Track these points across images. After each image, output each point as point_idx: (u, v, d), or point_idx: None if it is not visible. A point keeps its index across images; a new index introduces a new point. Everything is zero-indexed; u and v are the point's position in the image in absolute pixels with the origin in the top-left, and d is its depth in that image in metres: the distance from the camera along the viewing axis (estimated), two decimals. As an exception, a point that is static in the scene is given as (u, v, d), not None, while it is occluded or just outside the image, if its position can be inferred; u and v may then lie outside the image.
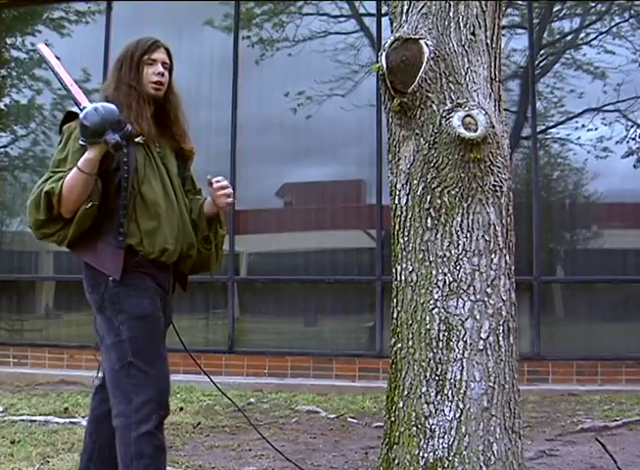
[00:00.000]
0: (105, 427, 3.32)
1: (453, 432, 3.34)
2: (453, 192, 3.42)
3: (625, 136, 8.38)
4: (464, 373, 3.36)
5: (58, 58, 3.31)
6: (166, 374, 3.20)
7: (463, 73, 3.47)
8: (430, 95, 3.42)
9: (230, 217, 7.94)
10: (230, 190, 3.42)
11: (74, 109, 3.17)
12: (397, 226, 3.59)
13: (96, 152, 3.03)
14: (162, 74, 3.31)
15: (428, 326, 3.42)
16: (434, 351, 3.40)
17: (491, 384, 3.37)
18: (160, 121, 3.36)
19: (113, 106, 3.05)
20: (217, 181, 3.40)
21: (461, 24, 3.51)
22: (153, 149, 3.29)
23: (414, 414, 3.42)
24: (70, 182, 3.05)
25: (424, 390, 3.40)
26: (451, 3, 3.51)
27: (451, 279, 3.41)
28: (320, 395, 7.54)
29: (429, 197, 3.46)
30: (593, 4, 8.73)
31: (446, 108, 3.38)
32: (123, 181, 3.16)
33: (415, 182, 3.49)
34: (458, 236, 3.43)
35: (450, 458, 3.31)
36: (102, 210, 3.17)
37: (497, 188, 3.46)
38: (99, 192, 3.13)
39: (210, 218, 3.46)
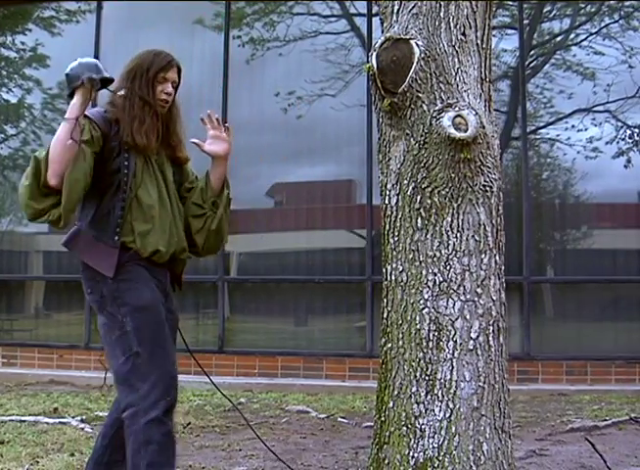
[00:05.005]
0: (121, 431, 3.33)
1: (443, 432, 3.34)
2: (443, 192, 3.42)
3: (615, 136, 8.40)
4: (454, 373, 3.37)
5: None
6: (171, 360, 3.24)
7: (453, 74, 3.47)
8: (420, 95, 3.43)
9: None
10: (221, 133, 3.60)
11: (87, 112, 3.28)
12: (387, 226, 3.59)
13: (79, 96, 3.13)
14: (170, 94, 3.43)
15: (418, 326, 3.43)
16: (425, 350, 3.41)
17: (481, 384, 3.38)
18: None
19: (92, 59, 3.26)
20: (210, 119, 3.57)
21: (451, 25, 3.52)
22: (151, 156, 3.39)
23: (404, 414, 3.43)
24: (55, 136, 3.14)
25: (414, 390, 3.41)
26: (442, 3, 3.52)
27: (441, 279, 3.42)
28: (310, 394, 7.55)
29: (419, 197, 3.46)
30: (583, 5, 8.76)
31: (437, 108, 3.39)
32: (122, 184, 3.26)
33: (405, 182, 3.50)
34: (448, 236, 3.43)
35: (440, 458, 3.32)
36: (100, 210, 3.28)
37: (487, 188, 3.47)
38: (91, 157, 3.20)
39: (218, 184, 3.57)
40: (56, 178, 3.11)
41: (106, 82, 3.24)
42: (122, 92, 3.33)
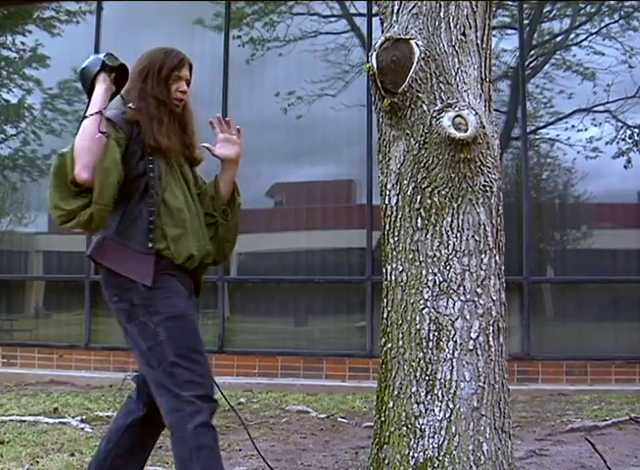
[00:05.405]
0: (126, 438, 3.30)
1: (443, 432, 3.34)
2: (443, 192, 3.42)
3: (615, 137, 8.40)
4: (454, 373, 3.37)
5: None
6: (209, 368, 3.16)
7: (453, 74, 3.47)
8: (420, 95, 3.43)
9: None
10: (232, 135, 3.54)
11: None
12: (388, 226, 3.59)
13: (100, 83, 3.11)
14: (185, 92, 3.35)
15: (418, 326, 3.43)
16: (425, 350, 3.41)
17: (481, 384, 3.38)
18: None
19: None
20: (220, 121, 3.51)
21: (451, 25, 3.52)
22: (172, 157, 3.29)
23: (404, 414, 3.43)
24: (81, 130, 3.03)
25: (414, 390, 3.41)
26: (442, 3, 3.52)
27: (441, 279, 3.42)
28: (310, 394, 7.54)
29: (419, 197, 3.46)
30: (583, 5, 8.76)
31: (437, 108, 3.39)
32: (150, 187, 3.16)
33: (405, 182, 3.50)
34: (448, 236, 3.43)
35: (440, 458, 3.32)
36: (126, 216, 3.17)
37: (487, 188, 3.47)
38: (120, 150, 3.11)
39: (228, 188, 3.51)
40: (86, 171, 2.97)
41: (122, 69, 3.20)
42: (131, 105, 3.25)
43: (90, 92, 3.14)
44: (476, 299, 3.42)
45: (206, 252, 3.34)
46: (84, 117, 3.06)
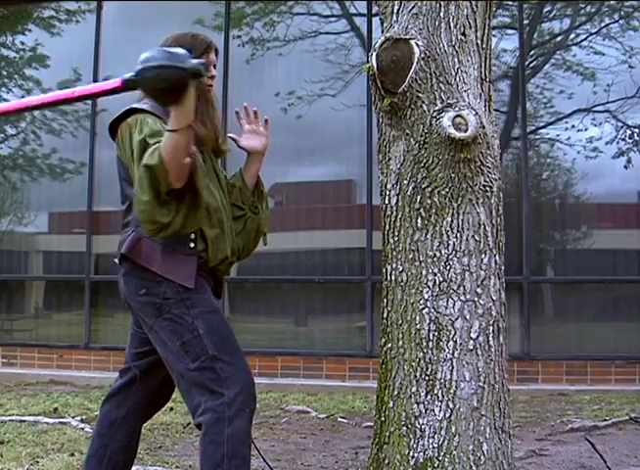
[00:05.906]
0: (120, 431, 3.22)
1: (443, 432, 3.34)
2: (443, 192, 3.42)
3: (615, 137, 8.40)
4: (454, 373, 3.37)
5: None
6: (249, 367, 3.07)
7: (453, 74, 3.48)
8: (420, 95, 3.43)
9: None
10: (259, 127, 3.44)
11: (137, 105, 2.96)
12: (387, 226, 3.59)
13: (190, 95, 2.61)
14: (214, 78, 3.20)
15: (418, 326, 3.43)
16: (424, 350, 3.41)
17: (481, 384, 3.38)
18: None
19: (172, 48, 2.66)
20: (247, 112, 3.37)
21: (451, 25, 3.52)
22: (208, 153, 3.16)
23: (404, 414, 3.43)
24: (172, 145, 2.69)
25: (414, 390, 3.41)
26: (442, 3, 3.52)
27: (441, 279, 3.42)
28: (310, 394, 7.54)
29: (419, 197, 3.46)
30: (583, 5, 8.76)
31: (437, 108, 3.39)
32: None
33: (405, 182, 3.50)
34: (448, 236, 3.44)
35: (440, 458, 3.32)
36: None
37: (487, 188, 3.47)
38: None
39: (253, 181, 3.37)
40: (180, 182, 2.75)
41: None
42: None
43: (160, 95, 2.67)
44: (476, 299, 3.42)
45: (234, 250, 3.21)
46: (172, 131, 2.69)
